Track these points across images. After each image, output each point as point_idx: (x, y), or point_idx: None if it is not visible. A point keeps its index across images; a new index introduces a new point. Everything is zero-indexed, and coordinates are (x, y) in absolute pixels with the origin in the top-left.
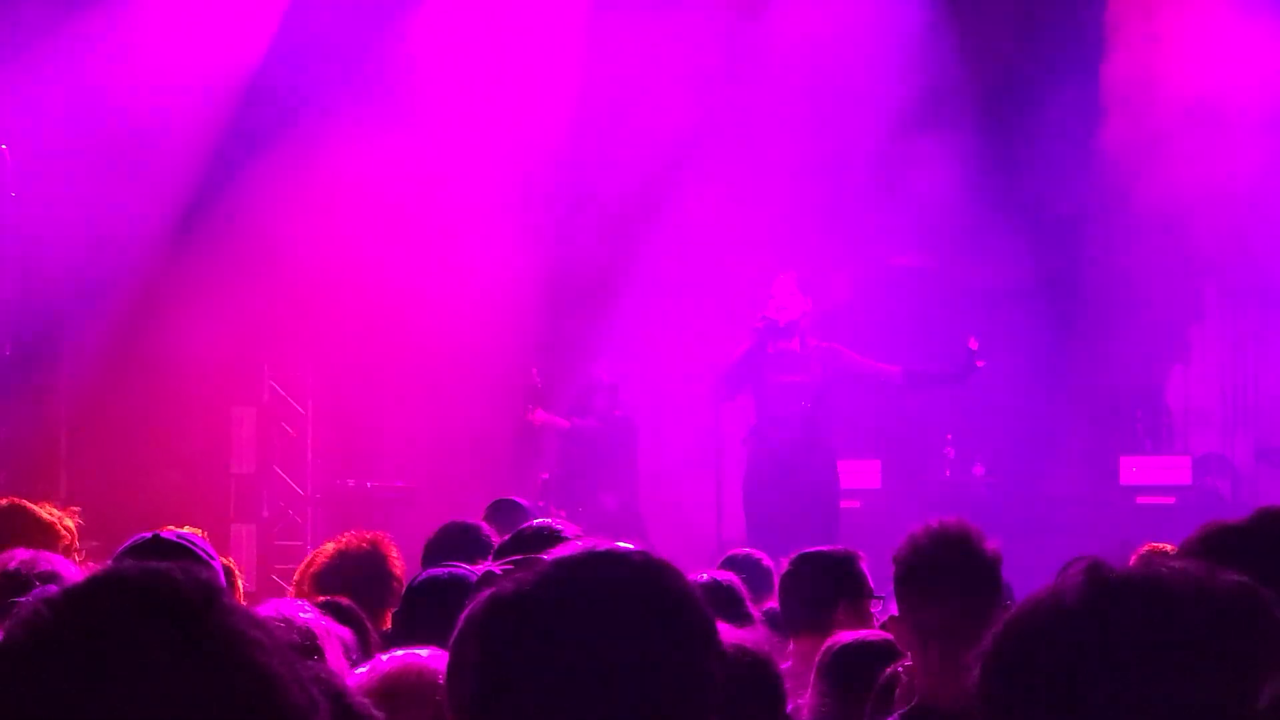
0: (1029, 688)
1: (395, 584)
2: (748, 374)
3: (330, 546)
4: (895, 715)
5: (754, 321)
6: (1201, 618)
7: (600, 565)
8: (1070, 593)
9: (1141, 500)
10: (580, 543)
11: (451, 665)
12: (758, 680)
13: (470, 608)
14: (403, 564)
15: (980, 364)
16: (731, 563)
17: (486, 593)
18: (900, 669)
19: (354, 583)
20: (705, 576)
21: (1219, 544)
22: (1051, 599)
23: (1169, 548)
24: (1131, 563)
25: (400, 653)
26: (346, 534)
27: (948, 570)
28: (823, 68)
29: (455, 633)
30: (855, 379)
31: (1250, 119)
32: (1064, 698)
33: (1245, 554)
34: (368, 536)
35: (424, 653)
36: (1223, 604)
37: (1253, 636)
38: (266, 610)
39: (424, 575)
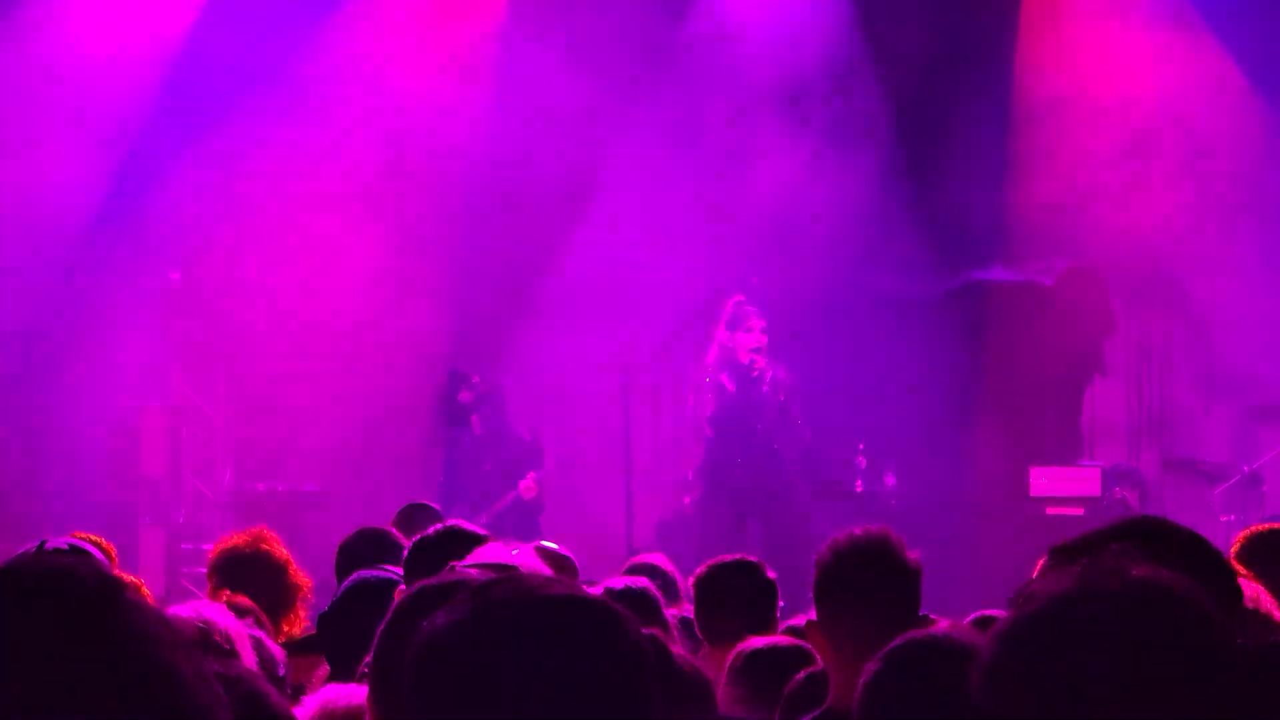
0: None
1: (299, 593)
2: (736, 418)
3: (228, 544)
4: (806, 718)
5: (743, 358)
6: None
7: (548, 608)
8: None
9: (1051, 511)
10: (497, 551)
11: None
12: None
13: (412, 642)
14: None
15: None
16: (637, 569)
17: (425, 625)
18: (813, 674)
19: (256, 581)
20: (621, 584)
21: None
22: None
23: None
24: (1035, 573)
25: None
26: (244, 532)
27: (868, 578)
28: (734, 74)
29: (404, 662)
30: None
31: (1159, 132)
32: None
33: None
34: (261, 542)
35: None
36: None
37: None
38: (186, 611)
39: (356, 578)
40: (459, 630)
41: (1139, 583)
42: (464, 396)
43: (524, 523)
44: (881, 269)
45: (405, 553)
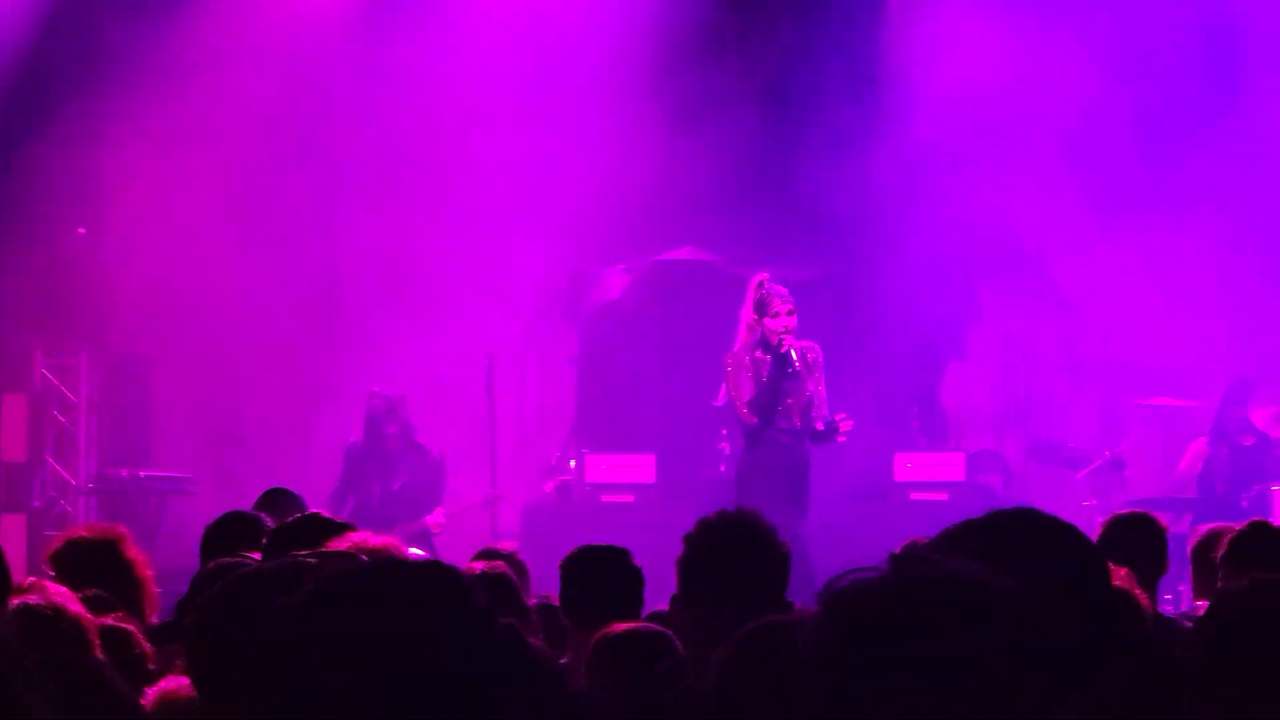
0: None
1: (146, 584)
2: (776, 399)
3: (66, 536)
4: (664, 697)
5: (773, 340)
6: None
7: (402, 579)
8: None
9: (915, 496)
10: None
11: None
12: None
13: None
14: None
15: (842, 438)
16: (490, 554)
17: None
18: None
19: (95, 571)
20: (479, 567)
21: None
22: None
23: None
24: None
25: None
26: (81, 525)
27: (731, 560)
28: (601, 60)
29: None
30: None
31: (1027, 125)
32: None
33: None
34: (107, 529)
35: None
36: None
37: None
38: (35, 599)
39: (212, 566)
40: (307, 609)
41: (942, 576)
42: (384, 421)
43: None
44: (750, 251)
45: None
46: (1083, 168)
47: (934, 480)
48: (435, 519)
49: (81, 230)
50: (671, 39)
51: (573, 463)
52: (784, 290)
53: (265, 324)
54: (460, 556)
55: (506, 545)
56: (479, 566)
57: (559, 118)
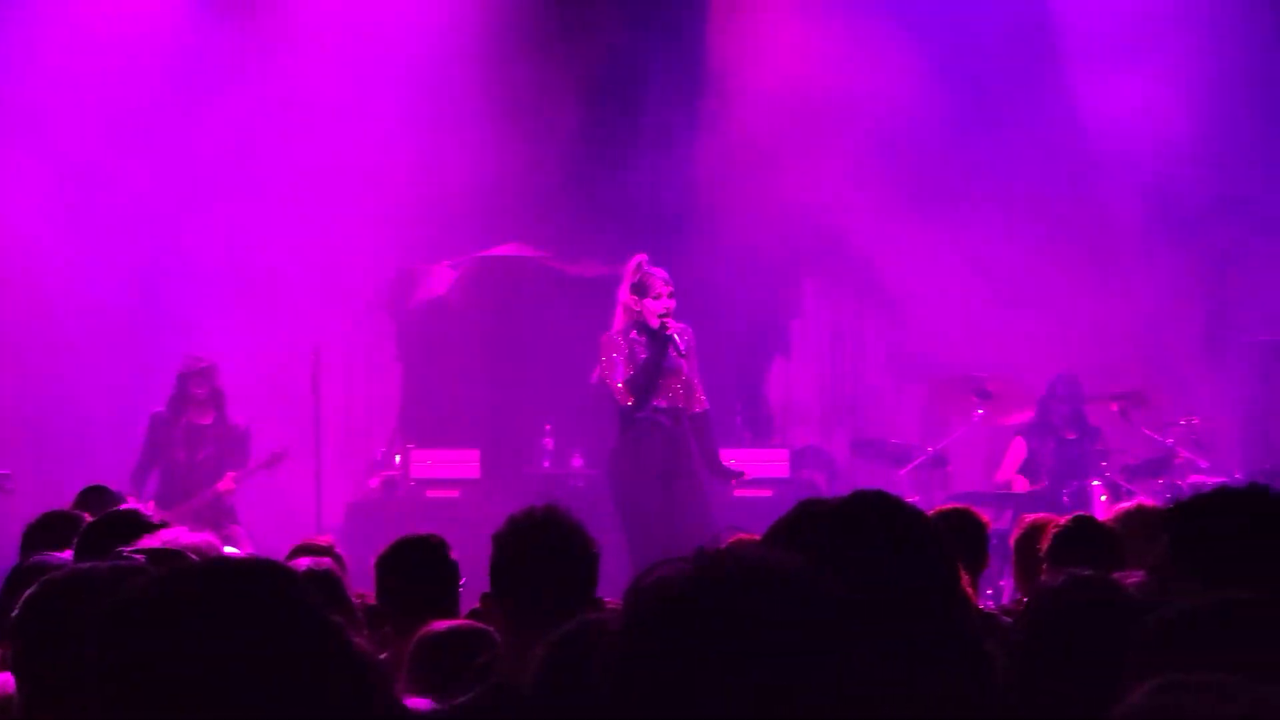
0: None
1: None
2: (653, 380)
3: None
4: (472, 693)
5: (653, 323)
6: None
7: (224, 578)
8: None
9: (739, 493)
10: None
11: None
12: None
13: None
14: None
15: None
16: (309, 549)
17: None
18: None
19: None
20: (305, 563)
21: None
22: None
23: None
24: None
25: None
26: None
27: (542, 557)
28: (425, 55)
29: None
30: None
31: (851, 123)
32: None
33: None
34: None
35: None
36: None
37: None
38: None
39: (23, 564)
40: (138, 612)
41: (746, 567)
42: (193, 383)
43: (223, 518)
44: (574, 247)
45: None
46: (906, 166)
47: (758, 476)
48: (225, 484)
49: None
50: (496, 34)
51: (398, 458)
52: (664, 273)
53: (88, 317)
54: (279, 549)
55: (324, 539)
56: (305, 562)
57: (384, 112)
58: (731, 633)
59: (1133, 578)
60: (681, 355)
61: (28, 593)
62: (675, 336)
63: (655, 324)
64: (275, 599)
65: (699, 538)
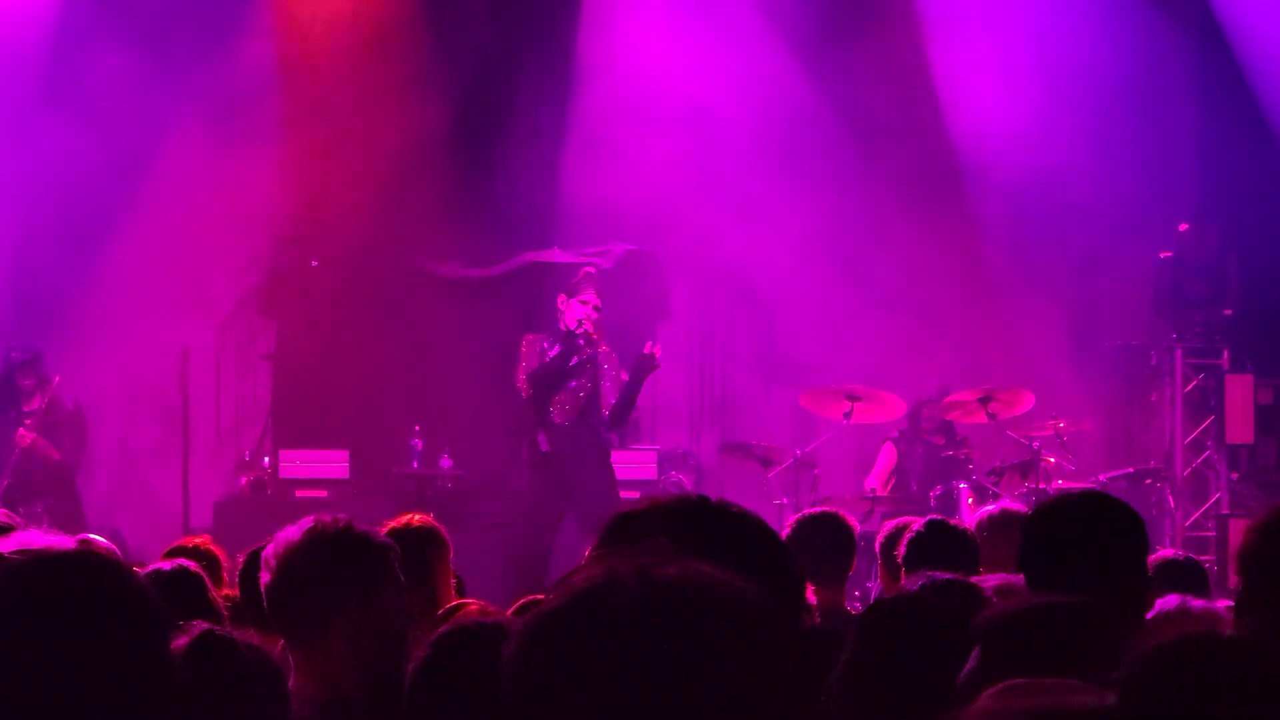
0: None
1: None
2: (556, 380)
3: None
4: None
5: (569, 323)
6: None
7: (44, 570)
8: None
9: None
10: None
11: None
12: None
13: None
14: None
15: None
16: (177, 551)
17: None
18: None
19: None
20: (167, 566)
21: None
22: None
23: None
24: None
25: None
26: None
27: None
28: (296, 49)
29: None
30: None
31: (720, 124)
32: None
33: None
34: None
35: None
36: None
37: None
38: None
39: None
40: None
41: (667, 576)
42: (20, 374)
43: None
44: (439, 250)
45: None
46: (778, 168)
47: (624, 479)
48: (22, 439)
49: None
50: (368, 30)
51: (266, 459)
52: (597, 287)
53: None
54: (147, 547)
55: (200, 539)
56: (166, 565)
57: (255, 110)
58: (648, 636)
59: (991, 580)
60: (581, 361)
61: None
62: (582, 341)
63: (571, 324)
64: (108, 601)
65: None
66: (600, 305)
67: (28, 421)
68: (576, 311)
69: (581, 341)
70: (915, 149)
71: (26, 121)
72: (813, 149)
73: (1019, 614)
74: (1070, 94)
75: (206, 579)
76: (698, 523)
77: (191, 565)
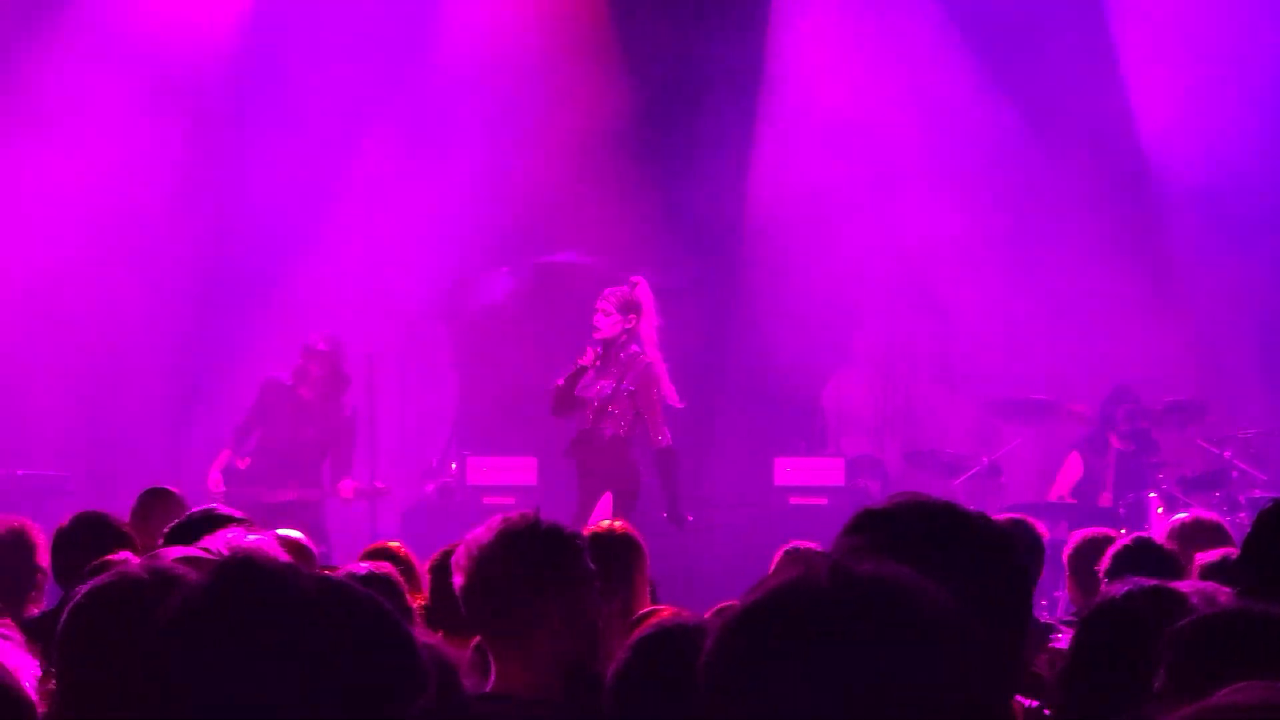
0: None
1: (40, 576)
2: (571, 392)
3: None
4: (475, 694)
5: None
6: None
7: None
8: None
9: (795, 501)
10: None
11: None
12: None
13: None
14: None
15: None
16: (376, 554)
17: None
18: None
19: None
20: (364, 569)
21: (871, 528)
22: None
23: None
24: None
25: None
26: None
27: (516, 570)
28: (492, 66)
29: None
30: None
31: (907, 131)
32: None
33: (894, 535)
34: (12, 524)
35: None
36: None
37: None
38: None
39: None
40: (198, 614)
41: (858, 577)
42: (315, 365)
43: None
44: (628, 259)
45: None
46: (962, 174)
47: (813, 485)
48: (345, 490)
49: None
50: (555, 41)
51: (454, 465)
52: (608, 291)
53: (142, 323)
54: (335, 553)
55: (391, 544)
56: (363, 568)
57: (441, 118)
58: (850, 639)
59: (1185, 587)
60: (583, 368)
61: (72, 601)
62: (593, 350)
63: (610, 334)
64: (337, 604)
65: None
66: (608, 310)
67: (351, 485)
68: (613, 323)
69: (595, 350)
70: (1100, 153)
71: (231, 128)
72: (994, 154)
73: (1220, 619)
74: (1262, 96)
75: (403, 583)
76: (935, 524)
77: (388, 568)
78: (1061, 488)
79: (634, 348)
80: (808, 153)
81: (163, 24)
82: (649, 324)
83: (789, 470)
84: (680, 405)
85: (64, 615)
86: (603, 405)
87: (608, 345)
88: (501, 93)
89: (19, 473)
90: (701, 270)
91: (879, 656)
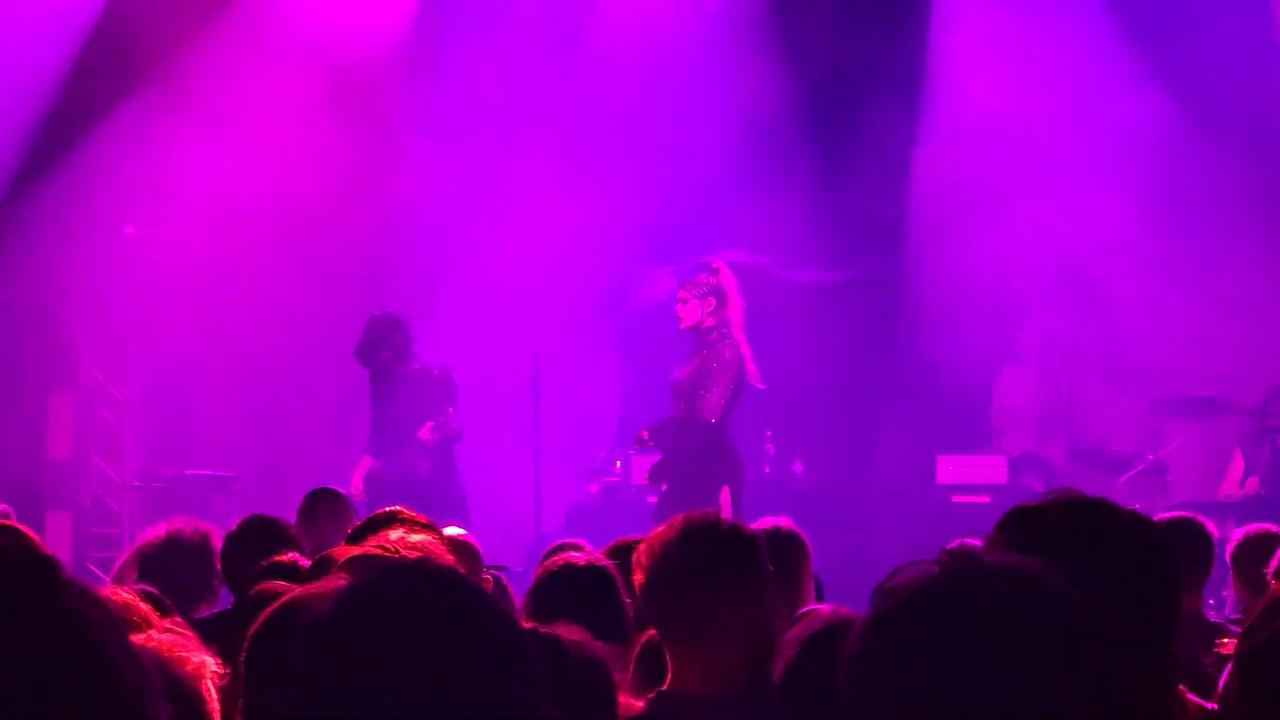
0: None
1: (216, 580)
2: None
3: (161, 531)
4: (646, 698)
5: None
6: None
7: (412, 588)
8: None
9: (958, 499)
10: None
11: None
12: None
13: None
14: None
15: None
16: (566, 548)
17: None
18: None
19: (177, 569)
20: (583, 560)
21: (1021, 526)
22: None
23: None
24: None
25: None
26: (177, 519)
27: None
28: (655, 64)
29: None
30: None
31: (1072, 128)
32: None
33: (1045, 533)
34: (200, 528)
35: None
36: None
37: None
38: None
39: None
40: (331, 616)
41: (995, 570)
42: (379, 347)
43: (438, 466)
44: (791, 257)
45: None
46: (1124, 169)
47: (976, 482)
48: (424, 431)
49: (129, 229)
50: (719, 38)
51: (619, 464)
52: (688, 280)
53: (307, 322)
54: (499, 552)
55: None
56: (583, 560)
57: (603, 116)
58: (979, 633)
59: None
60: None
61: (253, 627)
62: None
63: (695, 322)
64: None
65: None
66: (684, 298)
67: (430, 424)
68: (700, 309)
69: (705, 339)
70: (1263, 145)
71: (396, 128)
72: (1155, 148)
73: None
74: None
75: (619, 580)
76: (1084, 521)
77: (608, 565)
78: (1230, 485)
79: (717, 333)
80: (968, 149)
81: (329, 25)
82: (735, 308)
83: (952, 468)
84: (762, 387)
85: (246, 645)
86: (693, 392)
87: (695, 332)
88: (663, 91)
89: (188, 473)
90: (864, 268)
91: (1010, 653)
